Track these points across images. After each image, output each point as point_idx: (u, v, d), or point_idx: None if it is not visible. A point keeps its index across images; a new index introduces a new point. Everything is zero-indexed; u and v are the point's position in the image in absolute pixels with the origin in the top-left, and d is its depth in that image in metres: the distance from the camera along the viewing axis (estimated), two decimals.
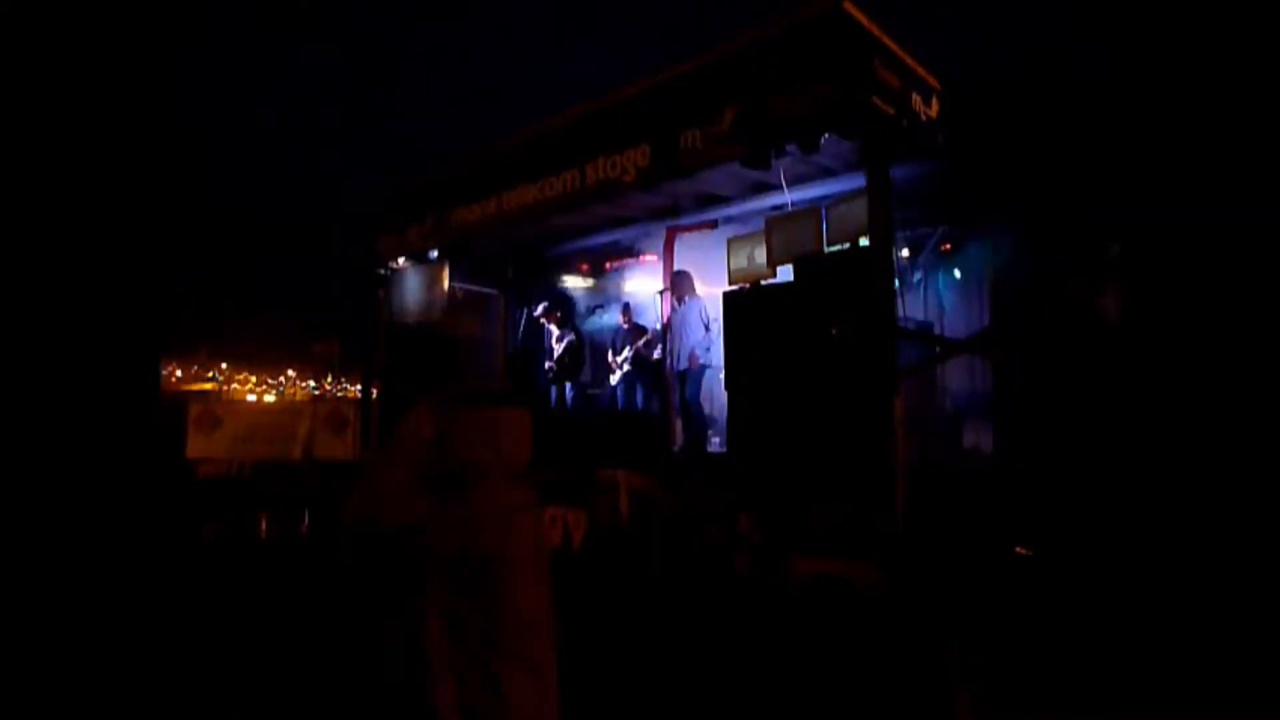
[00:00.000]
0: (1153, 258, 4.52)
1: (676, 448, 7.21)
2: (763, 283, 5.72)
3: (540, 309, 8.32)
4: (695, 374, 6.95)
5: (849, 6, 4.18)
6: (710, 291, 6.97)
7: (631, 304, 8.20)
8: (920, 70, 4.71)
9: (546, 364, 8.33)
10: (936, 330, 6.93)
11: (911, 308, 7.15)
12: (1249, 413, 4.04)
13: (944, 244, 7.26)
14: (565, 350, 8.10)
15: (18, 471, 2.37)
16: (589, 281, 9.19)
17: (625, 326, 7.98)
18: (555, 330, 8.24)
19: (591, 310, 8.96)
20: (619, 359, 7.91)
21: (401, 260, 8.13)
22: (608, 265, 9.01)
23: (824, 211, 5.41)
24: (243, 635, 4.48)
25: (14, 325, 2.41)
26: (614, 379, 7.96)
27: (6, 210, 2.41)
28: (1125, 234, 4.63)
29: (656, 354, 7.57)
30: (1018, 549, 3.99)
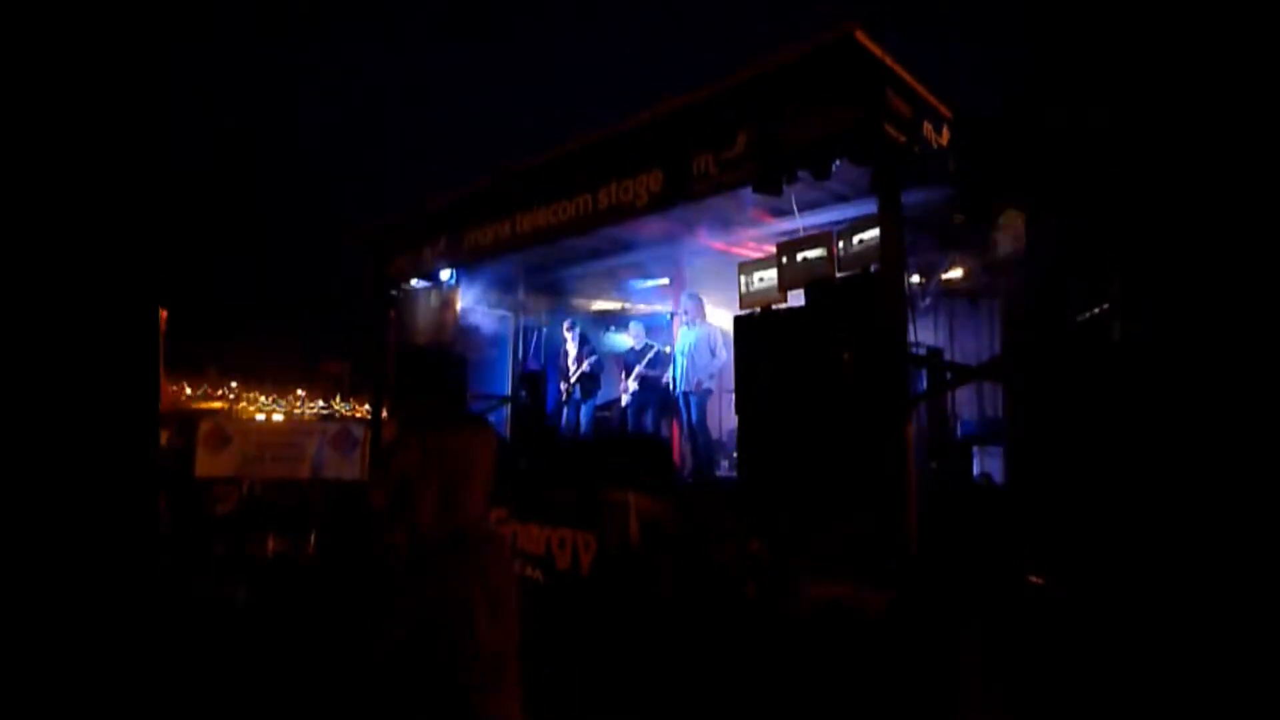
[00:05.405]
0: (1153, 292, 4.52)
1: (685, 472, 7.19)
2: (774, 307, 5.73)
3: (566, 325, 8.35)
4: (699, 398, 6.95)
5: (861, 36, 4.23)
6: (721, 315, 6.99)
7: (643, 325, 8.22)
8: (931, 99, 4.75)
9: (561, 384, 8.34)
10: (947, 356, 6.92)
11: (922, 333, 7.15)
12: (1263, 442, 4.01)
13: (954, 269, 7.27)
14: (584, 370, 8.10)
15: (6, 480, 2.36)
16: (601, 304, 9.24)
17: (636, 348, 7.99)
18: (574, 350, 8.25)
19: (604, 331, 9.00)
20: (629, 380, 7.91)
21: (413, 281, 8.20)
22: (620, 288, 9.06)
23: (836, 237, 5.44)
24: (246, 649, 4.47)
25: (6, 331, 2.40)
26: (624, 400, 7.96)
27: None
28: (1124, 269, 4.63)
29: (665, 378, 7.58)
30: (1030, 578, 3.95)
